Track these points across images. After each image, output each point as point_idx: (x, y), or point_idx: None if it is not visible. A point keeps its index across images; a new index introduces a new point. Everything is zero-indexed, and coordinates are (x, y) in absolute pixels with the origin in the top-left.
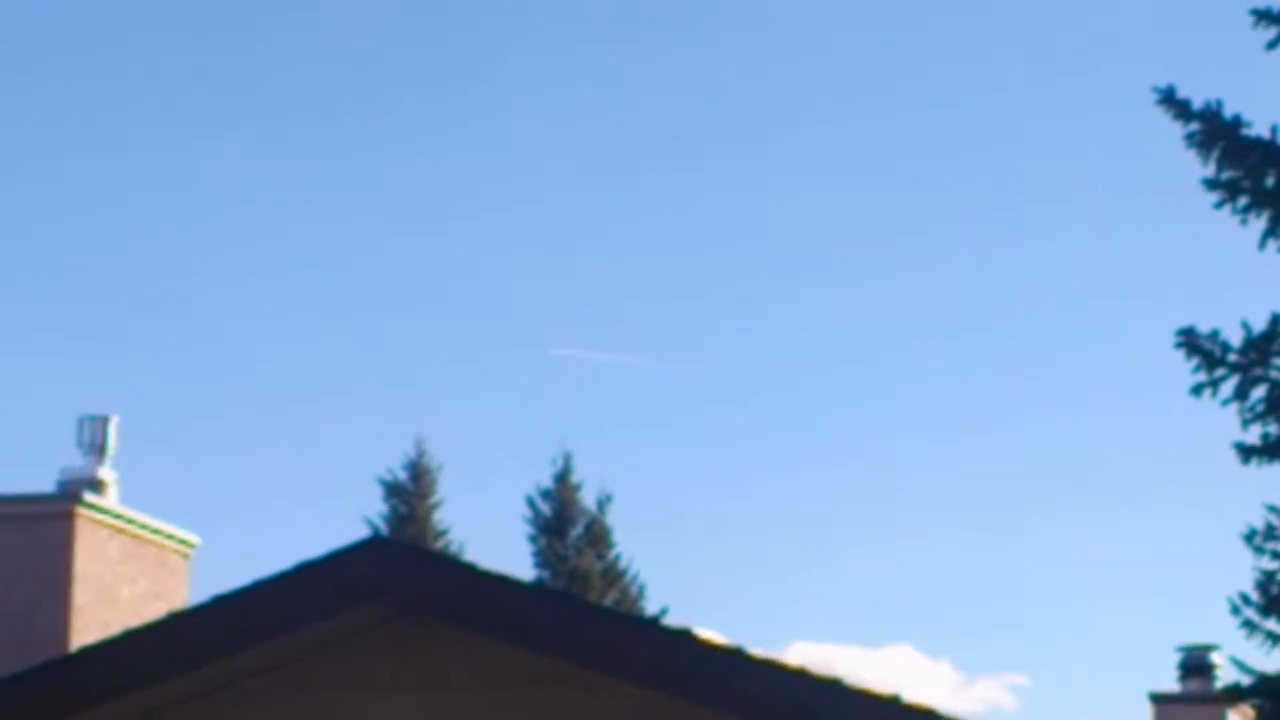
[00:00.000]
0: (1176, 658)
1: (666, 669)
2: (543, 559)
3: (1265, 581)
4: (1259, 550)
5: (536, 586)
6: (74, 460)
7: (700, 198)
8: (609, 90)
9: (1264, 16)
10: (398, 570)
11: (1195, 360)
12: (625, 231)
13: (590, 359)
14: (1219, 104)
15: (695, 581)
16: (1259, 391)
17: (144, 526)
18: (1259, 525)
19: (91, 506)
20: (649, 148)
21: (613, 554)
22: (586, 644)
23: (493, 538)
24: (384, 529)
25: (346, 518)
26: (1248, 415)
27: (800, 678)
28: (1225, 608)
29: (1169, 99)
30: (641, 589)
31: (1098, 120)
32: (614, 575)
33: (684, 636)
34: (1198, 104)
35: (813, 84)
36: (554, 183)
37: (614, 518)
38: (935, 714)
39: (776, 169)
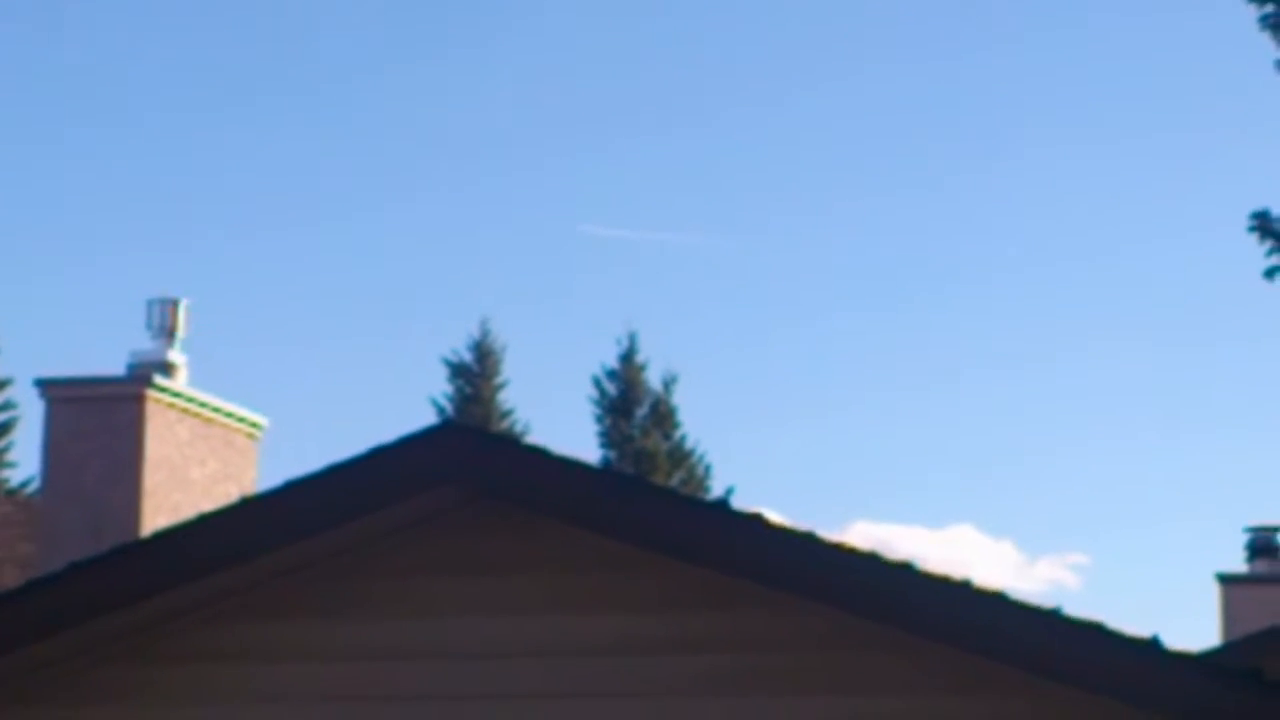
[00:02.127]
0: (1243, 538)
1: (737, 552)
2: (608, 439)
3: None
4: None
5: (606, 470)
6: (143, 343)
7: (748, 82)
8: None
9: None
10: (470, 454)
11: (1269, 243)
12: (685, 116)
13: (632, 238)
14: None
15: (759, 461)
16: None
17: (213, 409)
18: None
19: (161, 389)
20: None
21: (678, 434)
22: (657, 529)
23: (558, 418)
24: (449, 410)
25: (411, 399)
26: None
27: (871, 560)
28: None
29: None
30: (707, 469)
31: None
32: (680, 455)
33: (754, 520)
34: None
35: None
36: (602, 62)
37: (679, 398)
38: (1005, 597)
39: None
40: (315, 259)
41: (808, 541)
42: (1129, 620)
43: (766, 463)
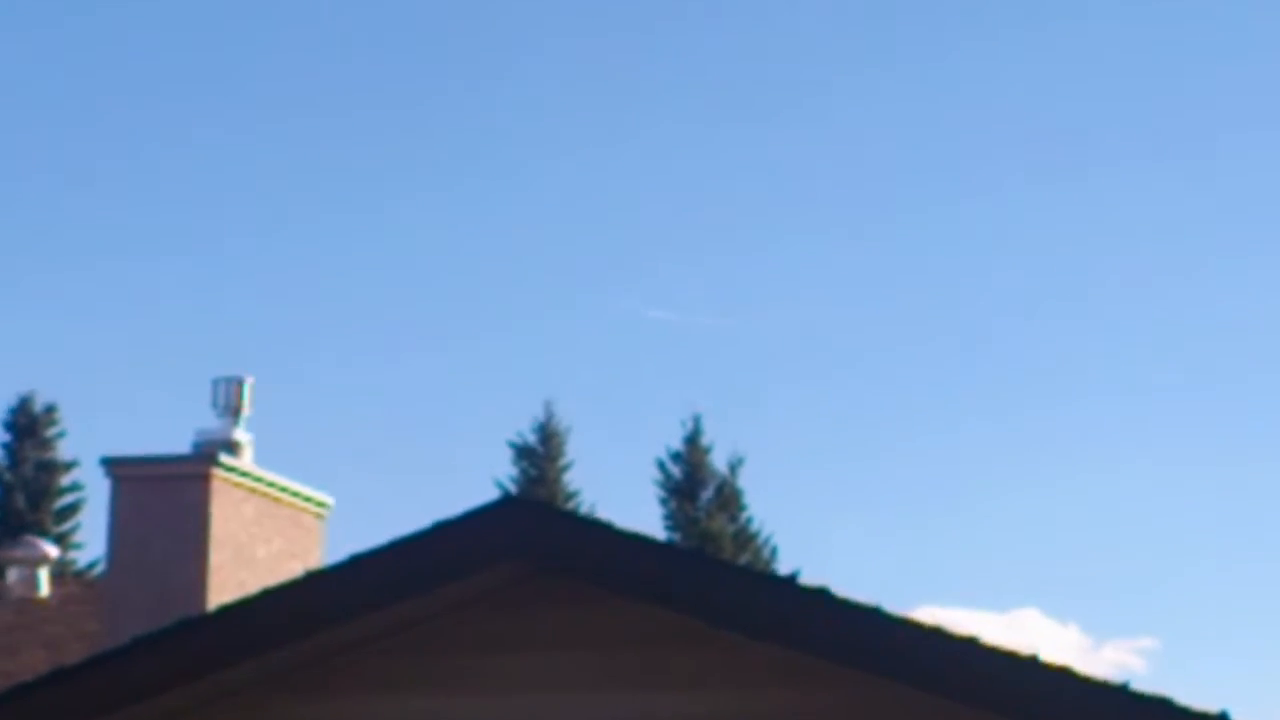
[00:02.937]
0: None
1: (803, 627)
2: (674, 522)
3: None
4: None
5: (673, 546)
6: (209, 422)
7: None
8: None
9: None
10: (534, 529)
11: None
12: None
13: (681, 321)
14: None
15: (825, 545)
16: None
17: (279, 487)
18: None
19: (227, 467)
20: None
21: (744, 516)
22: (722, 603)
23: (623, 500)
24: (514, 492)
25: (476, 482)
26: None
27: (936, 635)
28: None
29: None
30: (773, 552)
31: None
32: (745, 538)
33: (820, 594)
34: None
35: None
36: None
37: (745, 480)
38: (1072, 672)
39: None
40: (381, 340)
41: (874, 616)
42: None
43: (832, 546)
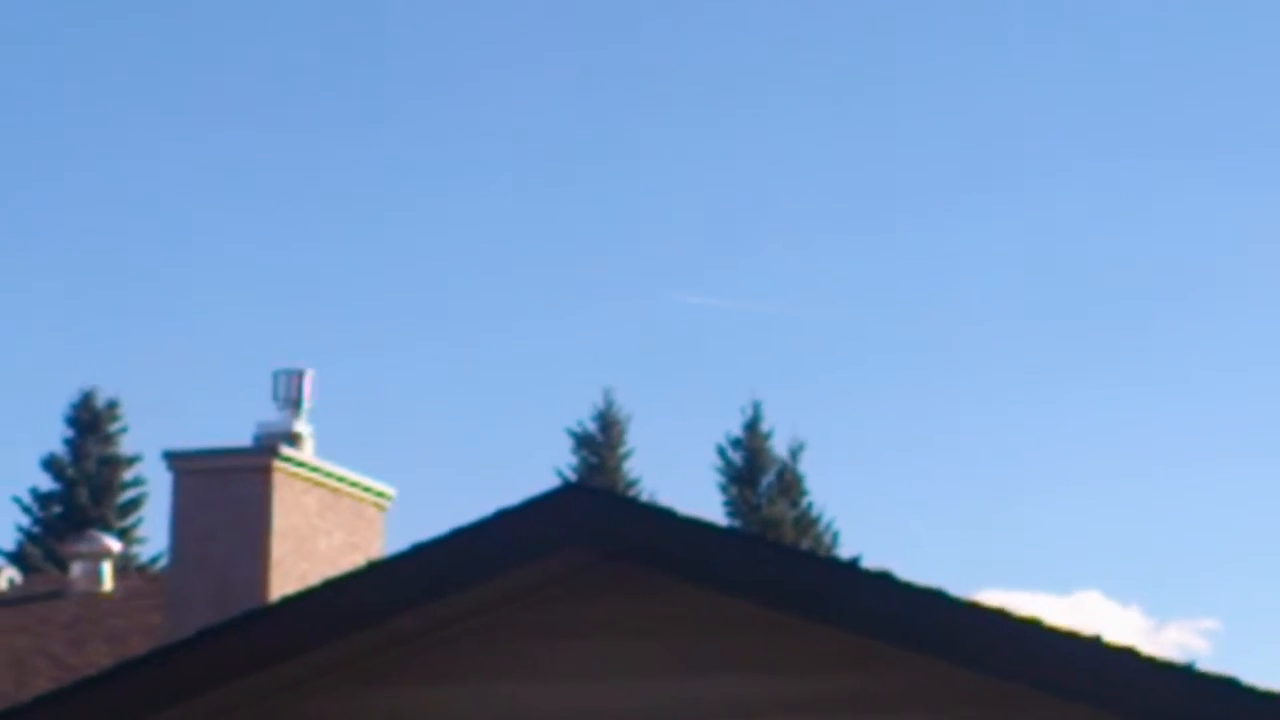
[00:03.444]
0: None
1: (867, 610)
2: (734, 508)
3: None
4: None
5: (737, 531)
6: (270, 414)
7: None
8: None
9: None
10: (597, 516)
11: None
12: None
13: (724, 306)
14: None
15: (886, 530)
16: None
17: (340, 479)
18: None
19: (288, 460)
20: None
21: (805, 502)
22: (787, 588)
23: (683, 487)
24: (574, 480)
25: (537, 471)
26: None
27: (1000, 617)
28: None
29: None
30: (834, 537)
31: None
32: (806, 523)
33: (883, 577)
34: None
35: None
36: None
37: (805, 466)
38: (1136, 653)
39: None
40: (440, 330)
41: (938, 599)
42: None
43: (893, 530)
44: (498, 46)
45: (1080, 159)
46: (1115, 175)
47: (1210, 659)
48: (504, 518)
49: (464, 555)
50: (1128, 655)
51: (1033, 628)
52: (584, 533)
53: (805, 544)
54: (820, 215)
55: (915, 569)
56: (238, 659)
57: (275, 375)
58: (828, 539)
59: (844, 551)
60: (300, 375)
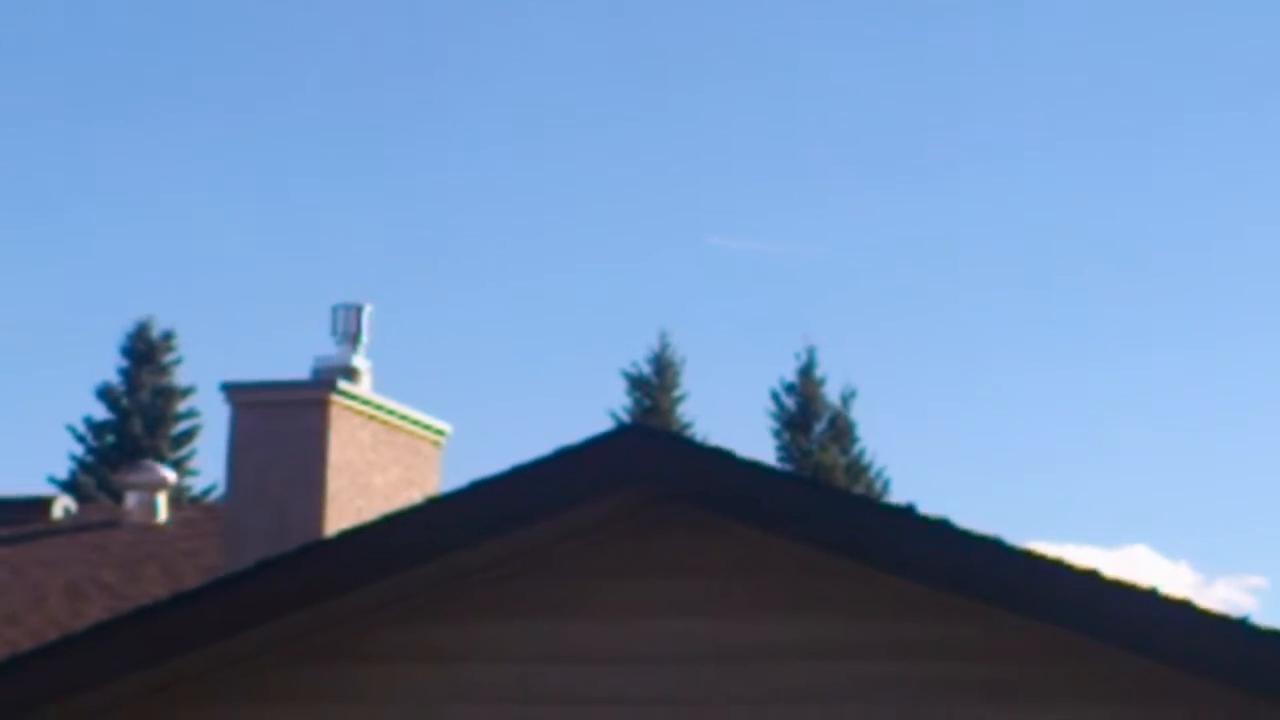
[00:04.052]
0: None
1: (923, 557)
2: (786, 453)
3: None
4: None
5: (796, 475)
6: (328, 348)
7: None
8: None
9: None
10: (656, 457)
11: None
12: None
13: (761, 249)
14: None
15: (936, 479)
16: None
17: (397, 415)
18: None
19: (345, 394)
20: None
21: (856, 449)
22: (843, 532)
23: (736, 432)
24: (628, 422)
25: (591, 411)
26: None
27: (1058, 567)
28: None
29: None
30: (886, 484)
31: None
32: (857, 470)
33: (941, 525)
34: None
35: None
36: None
37: (858, 413)
38: (1192, 605)
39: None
40: (498, 268)
41: (995, 547)
42: None
43: (944, 479)
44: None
45: (1146, 112)
46: (1186, 129)
47: (1257, 616)
48: (565, 457)
49: (524, 493)
50: (1184, 608)
51: (1091, 578)
52: (644, 473)
53: (856, 491)
54: (880, 162)
55: (963, 519)
56: (296, 592)
57: (334, 309)
58: (878, 486)
59: (893, 499)
60: (359, 310)
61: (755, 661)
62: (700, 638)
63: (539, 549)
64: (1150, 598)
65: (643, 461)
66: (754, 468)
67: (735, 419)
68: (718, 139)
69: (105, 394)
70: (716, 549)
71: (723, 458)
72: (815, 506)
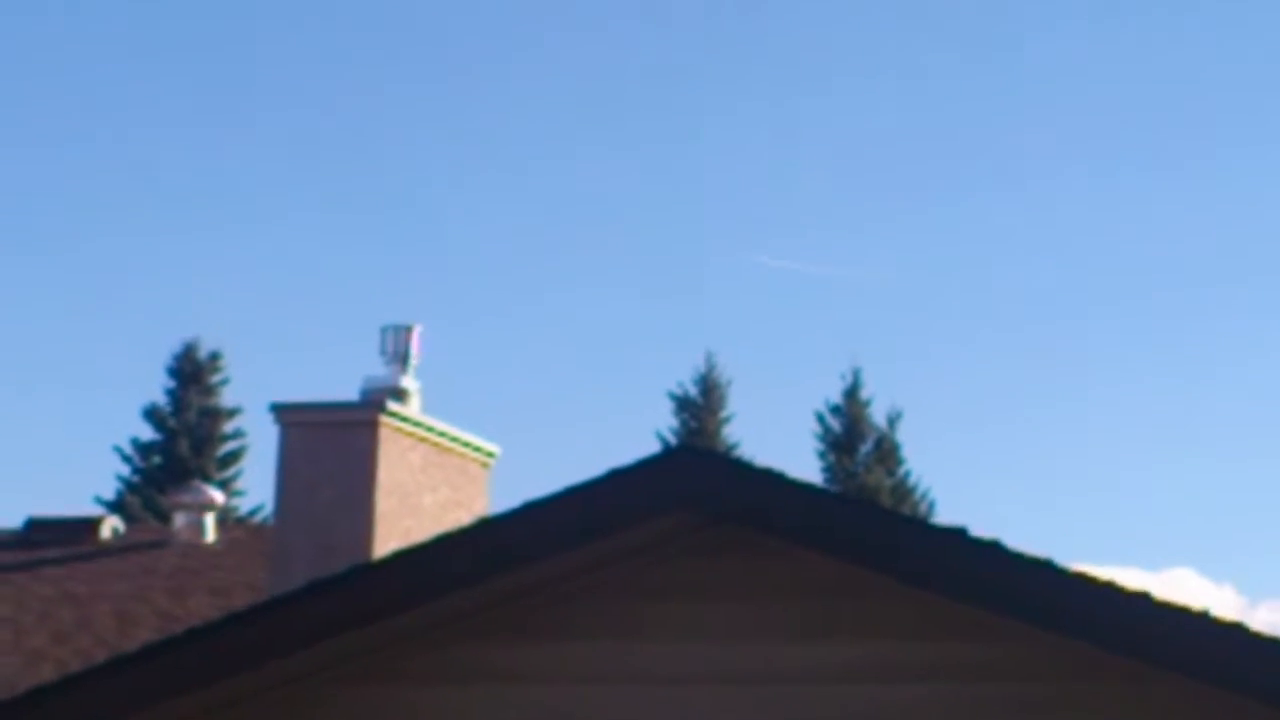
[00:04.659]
0: None
1: (976, 579)
2: (832, 475)
3: None
4: None
5: (846, 496)
6: (377, 369)
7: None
8: None
9: None
10: (707, 478)
11: None
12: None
13: (805, 270)
14: None
15: (981, 501)
16: None
17: (446, 435)
18: None
19: (394, 415)
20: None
21: (902, 471)
22: (898, 554)
23: (782, 453)
24: (673, 444)
25: (638, 433)
26: None
27: (1109, 590)
28: None
29: None
30: (930, 506)
31: None
32: (903, 492)
33: (993, 546)
34: None
35: None
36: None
37: (903, 435)
38: (1244, 628)
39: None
40: (546, 289)
41: (1047, 570)
42: None
43: (988, 502)
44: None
45: (1190, 130)
46: (1219, 148)
47: None
48: (616, 478)
49: (576, 514)
50: (1236, 630)
51: (1142, 600)
52: (695, 495)
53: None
54: (929, 185)
55: (1008, 541)
56: (345, 614)
57: (383, 330)
58: (923, 508)
59: (939, 521)
60: (408, 331)
61: (807, 684)
62: (751, 659)
63: (590, 570)
64: (1201, 620)
65: (695, 482)
66: (806, 489)
67: (781, 440)
68: (766, 157)
69: (152, 415)
70: (768, 571)
71: (775, 479)
72: (868, 528)
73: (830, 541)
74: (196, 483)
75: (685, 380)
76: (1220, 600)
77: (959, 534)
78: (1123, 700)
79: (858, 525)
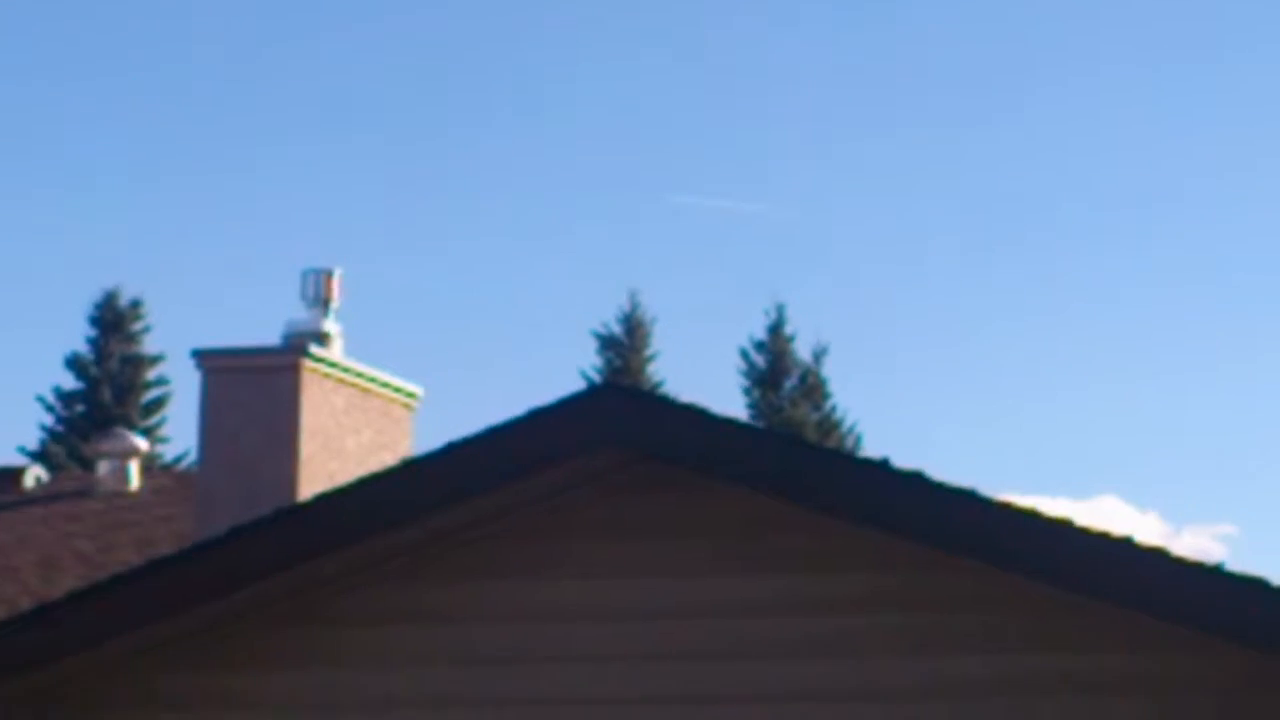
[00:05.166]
0: None
1: (899, 510)
2: (757, 410)
3: None
4: None
5: (770, 430)
6: (299, 313)
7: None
8: None
9: None
10: (632, 416)
11: None
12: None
13: (727, 207)
14: None
15: (907, 434)
16: None
17: (368, 378)
18: None
19: (317, 359)
20: None
21: (828, 405)
22: (818, 487)
23: (706, 390)
24: (598, 382)
25: (561, 371)
26: None
27: (1031, 518)
28: None
29: None
30: (857, 440)
31: None
32: (829, 426)
33: (916, 477)
34: None
35: None
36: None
37: (829, 370)
38: (1166, 553)
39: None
40: (466, 231)
41: (970, 499)
42: None
43: (914, 435)
44: None
45: (1102, 61)
46: (1144, 76)
47: (1229, 564)
48: (539, 417)
49: (500, 454)
50: (1158, 556)
51: (1065, 528)
52: (620, 432)
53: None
54: (848, 118)
55: (934, 472)
56: (270, 557)
57: (304, 274)
58: (849, 442)
59: (865, 454)
60: (329, 274)
61: (735, 617)
62: (677, 594)
63: (514, 510)
64: (1124, 546)
65: (618, 420)
66: (730, 425)
67: (705, 377)
68: (682, 97)
69: (74, 363)
70: (693, 507)
71: (699, 415)
72: (793, 463)
73: (754, 476)
74: (120, 430)
75: (609, 318)
76: (1145, 526)
77: (883, 465)
78: (1043, 628)
79: (781, 459)
